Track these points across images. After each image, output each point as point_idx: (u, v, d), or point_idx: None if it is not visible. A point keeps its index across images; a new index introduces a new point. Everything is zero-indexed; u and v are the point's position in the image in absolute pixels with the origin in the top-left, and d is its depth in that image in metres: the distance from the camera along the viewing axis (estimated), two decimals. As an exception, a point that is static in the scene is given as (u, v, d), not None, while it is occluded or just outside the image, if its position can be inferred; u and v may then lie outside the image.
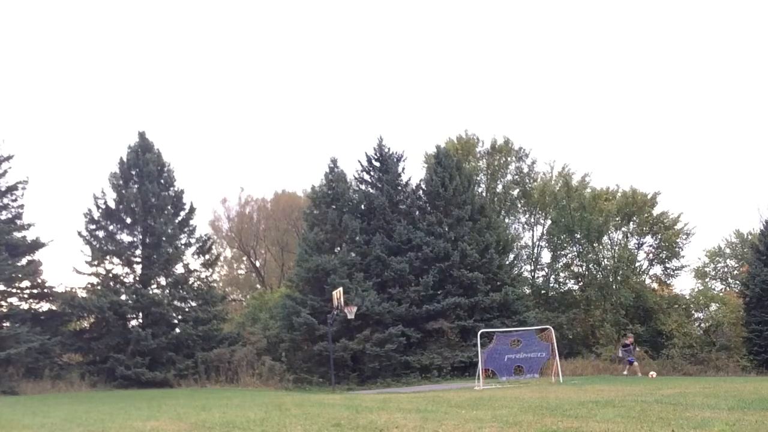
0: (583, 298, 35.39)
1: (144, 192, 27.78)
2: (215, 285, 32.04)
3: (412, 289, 27.54)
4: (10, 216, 25.79)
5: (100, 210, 27.96)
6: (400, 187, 30.67)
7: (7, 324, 24.13)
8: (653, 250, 37.44)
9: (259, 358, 26.91)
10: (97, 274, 27.28)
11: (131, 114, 72.90)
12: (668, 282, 37.98)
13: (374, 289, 27.15)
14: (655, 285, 37.64)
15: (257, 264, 46.74)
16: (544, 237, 38.53)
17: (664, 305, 34.64)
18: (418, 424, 6.48)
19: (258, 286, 44.39)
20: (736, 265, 39.92)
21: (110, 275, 27.43)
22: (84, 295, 26.61)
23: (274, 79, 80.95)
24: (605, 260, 36.03)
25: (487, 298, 27.50)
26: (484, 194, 37.22)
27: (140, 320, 27.28)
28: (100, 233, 27.78)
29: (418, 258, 28.10)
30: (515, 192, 39.38)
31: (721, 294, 36.97)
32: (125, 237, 28.11)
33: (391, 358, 26.06)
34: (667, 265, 37.60)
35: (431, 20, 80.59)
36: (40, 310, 26.18)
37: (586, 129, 71.02)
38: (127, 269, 27.82)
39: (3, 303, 25.16)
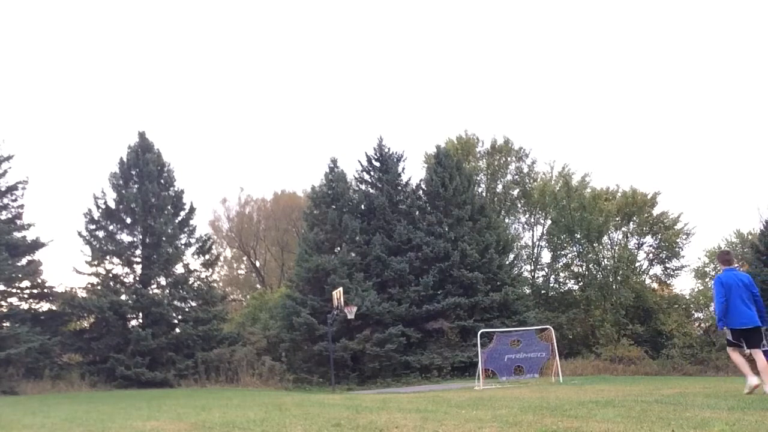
0: (583, 298, 35.42)
1: (144, 192, 27.79)
2: (215, 285, 32.06)
3: (412, 289, 27.55)
4: (10, 216, 25.79)
5: (100, 210, 27.97)
6: (400, 187, 30.71)
7: (7, 324, 24.11)
8: (653, 250, 37.50)
9: (259, 358, 26.93)
10: (97, 274, 27.29)
11: (131, 114, 72.95)
12: (668, 282, 38.05)
13: (374, 289, 27.17)
14: (655, 285, 37.70)
15: (257, 264, 46.78)
16: (544, 237, 38.59)
17: (664, 305, 34.67)
18: (418, 424, 6.47)
19: (258, 286, 44.43)
20: (736, 265, 39.93)
21: (110, 275, 27.43)
22: (84, 295, 26.61)
23: (274, 79, 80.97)
24: (605, 260, 36.07)
25: (487, 298, 27.51)
26: (484, 194, 37.29)
27: (140, 320, 27.27)
28: (100, 233, 27.79)
29: (418, 258, 28.11)
30: (515, 192, 39.47)
31: (721, 294, 36.95)
32: (125, 237, 28.15)
33: (391, 358, 26.07)
34: (667, 265, 37.69)
35: (431, 20, 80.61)
36: (40, 310, 26.16)
37: (586, 129, 71.05)
38: (127, 269, 27.84)
39: (3, 303, 25.15)
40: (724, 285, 8.04)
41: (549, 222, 38.20)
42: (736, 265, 8.32)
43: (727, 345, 8.35)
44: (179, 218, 29.05)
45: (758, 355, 7.81)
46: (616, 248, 36.64)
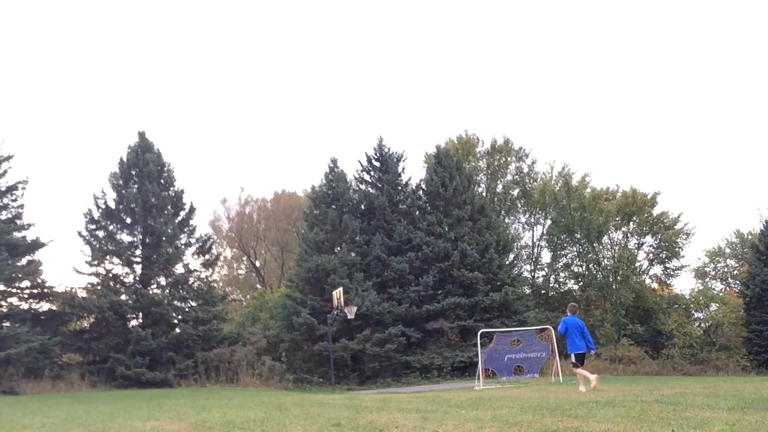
0: (583, 298, 35.40)
1: (144, 192, 27.78)
2: (215, 285, 32.03)
3: (412, 289, 27.53)
4: (10, 216, 25.76)
5: (100, 210, 27.94)
6: (400, 187, 30.68)
7: (7, 324, 24.10)
8: (653, 250, 37.49)
9: (259, 358, 26.91)
10: (97, 274, 27.27)
11: (131, 114, 72.98)
12: (668, 282, 38.05)
13: (374, 289, 27.16)
14: (655, 285, 37.69)
15: (257, 264, 46.75)
16: (544, 237, 38.56)
17: (664, 305, 34.67)
18: (418, 424, 6.47)
19: (258, 286, 44.39)
20: (736, 265, 39.97)
21: (110, 275, 27.41)
22: (84, 295, 26.59)
23: (274, 79, 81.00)
24: (605, 260, 36.05)
25: (487, 298, 27.49)
26: (484, 194, 37.24)
27: (140, 320, 27.26)
28: (100, 233, 27.77)
29: (418, 258, 28.09)
30: (515, 192, 39.42)
31: (721, 294, 37.01)
32: (125, 237, 28.12)
33: (391, 358, 26.06)
34: (667, 265, 37.69)
35: (431, 20, 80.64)
36: (40, 310, 26.15)
37: (586, 129, 71.11)
38: (127, 269, 27.81)
39: (3, 303, 25.13)
40: (567, 326, 12.30)
41: (549, 222, 38.18)
42: (576, 313, 13.00)
43: (573, 365, 12.84)
44: (179, 218, 29.03)
45: (581, 369, 12.43)
46: (616, 248, 36.63)
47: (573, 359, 12.56)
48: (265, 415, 8.56)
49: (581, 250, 36.03)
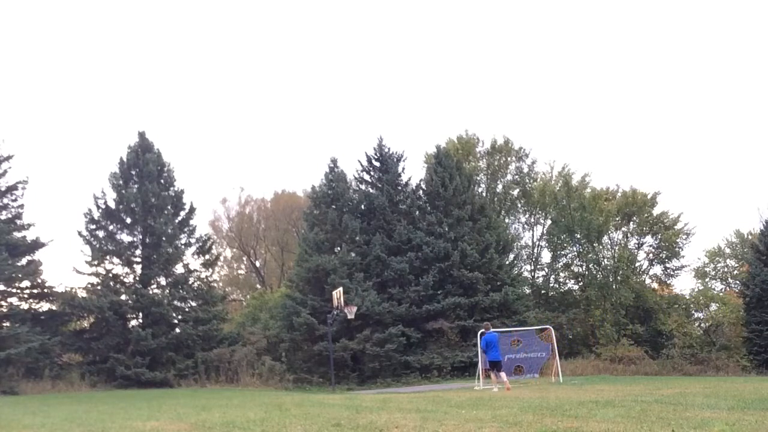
0: (583, 298, 35.40)
1: (144, 192, 27.78)
2: (215, 285, 32.04)
3: (412, 289, 27.53)
4: (10, 216, 25.79)
5: (100, 210, 27.96)
6: (400, 187, 30.67)
7: (7, 324, 24.12)
8: (653, 250, 37.48)
9: (259, 358, 26.91)
10: (97, 274, 27.29)
11: (131, 114, 72.97)
12: (668, 282, 38.04)
13: (374, 289, 27.15)
14: (655, 285, 37.67)
15: (257, 264, 46.74)
16: (544, 237, 38.55)
17: (664, 305, 34.66)
18: (418, 424, 6.48)
19: (258, 286, 44.38)
20: (736, 265, 39.93)
21: (110, 275, 27.43)
22: (84, 295, 26.60)
23: (274, 79, 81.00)
24: (605, 260, 36.05)
25: (487, 298, 27.49)
26: (484, 194, 37.23)
27: (140, 320, 27.28)
28: (100, 233, 27.79)
29: (418, 258, 28.09)
30: (515, 192, 39.41)
31: (721, 294, 37.00)
32: (125, 237, 28.16)
33: (391, 358, 26.06)
34: (667, 265, 37.66)
35: (431, 20, 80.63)
36: (40, 310, 26.17)
37: (586, 129, 71.10)
38: (127, 269, 27.83)
39: (3, 303, 25.14)
40: (488, 340, 15.79)
41: (549, 222, 38.17)
42: (491, 329, 16.58)
43: (489, 369, 15.85)
44: (179, 218, 29.04)
45: (501, 374, 15.46)
46: (616, 248, 36.62)
47: (488, 365, 15.62)
48: (265, 415, 8.56)
49: (581, 250, 36.02)
